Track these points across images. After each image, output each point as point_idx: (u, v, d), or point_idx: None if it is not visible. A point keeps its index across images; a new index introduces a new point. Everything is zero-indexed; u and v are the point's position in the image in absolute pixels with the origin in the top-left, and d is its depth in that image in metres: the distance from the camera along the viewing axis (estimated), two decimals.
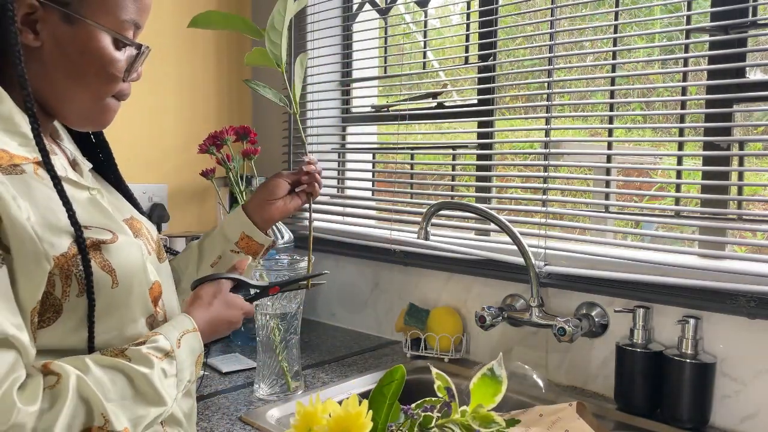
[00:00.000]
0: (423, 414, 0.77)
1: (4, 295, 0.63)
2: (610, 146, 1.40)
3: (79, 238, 0.70)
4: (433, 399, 0.94)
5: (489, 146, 1.57)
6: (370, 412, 0.69)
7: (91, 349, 0.72)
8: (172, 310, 0.88)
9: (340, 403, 0.70)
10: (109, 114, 0.79)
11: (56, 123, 0.83)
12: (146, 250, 0.82)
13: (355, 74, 1.98)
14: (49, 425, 0.62)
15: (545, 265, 1.39)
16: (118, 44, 0.76)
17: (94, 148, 0.90)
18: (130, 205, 0.90)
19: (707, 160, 1.24)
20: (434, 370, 0.83)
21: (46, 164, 0.70)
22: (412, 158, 1.76)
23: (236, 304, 0.93)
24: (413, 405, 0.79)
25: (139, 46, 0.77)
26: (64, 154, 0.82)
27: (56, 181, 0.69)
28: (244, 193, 1.29)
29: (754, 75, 1.20)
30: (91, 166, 0.86)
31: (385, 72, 1.84)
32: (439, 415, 0.78)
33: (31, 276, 0.66)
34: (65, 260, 0.69)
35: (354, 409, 0.67)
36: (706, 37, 1.24)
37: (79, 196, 0.76)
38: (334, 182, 1.98)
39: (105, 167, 0.91)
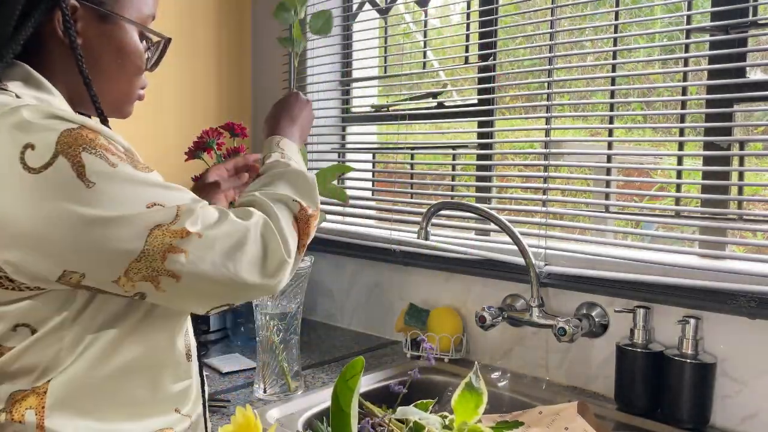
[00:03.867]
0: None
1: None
2: (610, 146, 1.40)
3: None
4: (425, 401, 0.94)
5: (489, 146, 1.57)
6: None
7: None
8: None
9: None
10: (132, 105, 0.85)
11: None
12: None
13: (355, 74, 1.98)
14: (273, 224, 0.75)
15: (545, 265, 1.39)
16: (142, 37, 0.81)
17: None
18: None
19: (707, 160, 1.24)
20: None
21: None
22: (412, 158, 1.76)
23: (303, 100, 1.04)
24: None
25: (164, 37, 0.84)
26: None
27: None
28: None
29: (754, 75, 1.20)
30: None
31: (385, 72, 1.84)
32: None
33: None
34: None
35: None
36: (707, 37, 1.24)
37: None
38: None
39: None
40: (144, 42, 0.82)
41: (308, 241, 0.81)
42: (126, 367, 0.73)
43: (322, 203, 1.89)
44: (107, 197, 0.65)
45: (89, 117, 0.82)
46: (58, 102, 0.74)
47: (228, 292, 0.73)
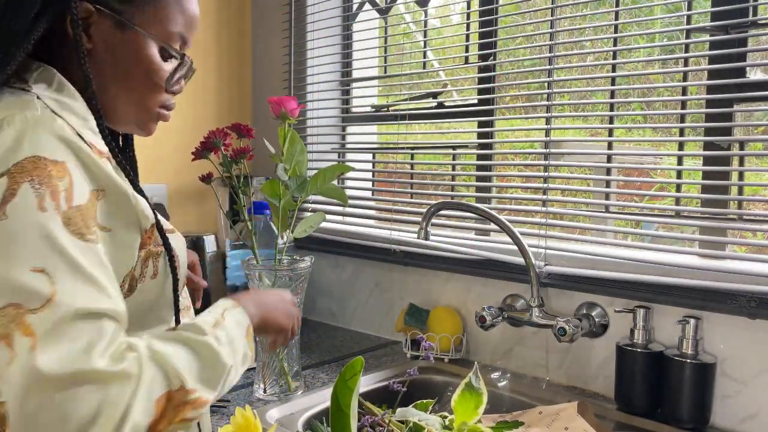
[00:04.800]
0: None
1: (104, 268, 0.65)
2: (610, 146, 1.40)
3: (158, 224, 0.76)
4: (424, 401, 0.94)
5: (489, 146, 1.57)
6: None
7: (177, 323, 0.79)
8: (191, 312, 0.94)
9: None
10: (152, 123, 0.82)
11: None
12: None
13: (355, 74, 1.98)
14: (136, 392, 0.60)
15: (545, 265, 1.39)
16: (164, 55, 0.78)
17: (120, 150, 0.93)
18: None
19: (707, 160, 1.24)
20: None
21: (115, 157, 0.74)
22: (412, 158, 1.76)
23: (286, 297, 0.93)
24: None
25: (182, 56, 0.80)
26: None
27: (128, 172, 0.75)
28: (243, 191, 1.28)
29: (754, 75, 1.20)
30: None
31: (385, 72, 1.84)
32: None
33: (127, 245, 0.72)
34: (146, 240, 0.74)
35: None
36: (707, 37, 1.24)
37: None
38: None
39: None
40: (170, 61, 0.79)
41: (170, 428, 0.63)
42: None
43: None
44: (5, 234, 0.60)
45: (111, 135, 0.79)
46: (79, 107, 0.73)
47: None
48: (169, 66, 0.79)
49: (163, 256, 0.77)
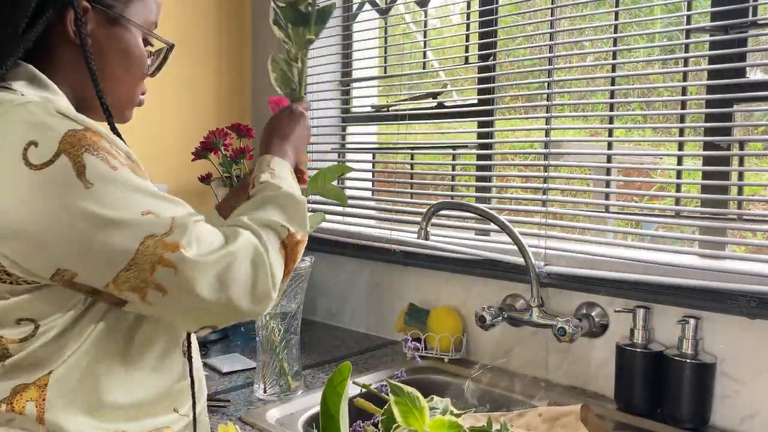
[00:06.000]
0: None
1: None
2: (610, 146, 1.40)
3: None
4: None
5: (489, 146, 1.57)
6: None
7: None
8: None
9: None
10: (132, 110, 0.86)
11: None
12: None
13: (355, 74, 1.98)
14: (263, 251, 0.75)
15: (545, 265, 1.39)
16: (145, 43, 0.83)
17: None
18: None
19: (707, 160, 1.24)
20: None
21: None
22: (412, 158, 1.76)
23: (300, 113, 0.98)
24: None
25: (168, 43, 0.86)
26: None
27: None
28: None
29: (754, 75, 1.20)
30: None
31: (385, 72, 1.84)
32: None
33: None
34: None
35: None
36: (707, 37, 1.24)
37: None
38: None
39: None
40: (147, 48, 0.83)
41: (294, 266, 0.81)
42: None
43: (322, 203, 1.90)
44: (104, 199, 0.65)
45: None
46: (62, 102, 0.74)
47: (215, 316, 0.73)
48: (148, 53, 0.83)
49: None
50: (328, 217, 1.89)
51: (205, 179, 1.27)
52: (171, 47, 0.87)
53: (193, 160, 1.22)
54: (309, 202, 1.92)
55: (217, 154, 1.23)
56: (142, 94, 0.85)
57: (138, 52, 0.81)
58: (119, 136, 0.76)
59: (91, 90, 0.77)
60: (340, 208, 1.89)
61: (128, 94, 0.83)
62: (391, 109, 1.84)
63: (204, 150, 1.22)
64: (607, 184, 1.41)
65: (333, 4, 1.03)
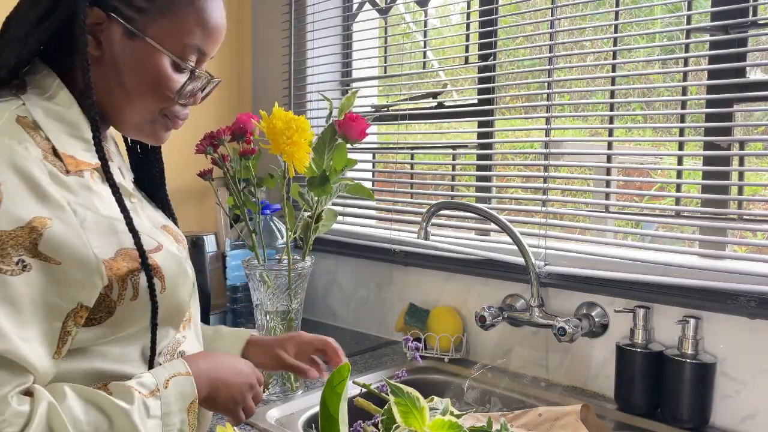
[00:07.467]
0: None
1: (17, 306, 0.63)
2: (610, 146, 1.40)
3: (137, 243, 0.73)
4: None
5: (489, 146, 1.57)
6: None
7: (153, 351, 0.76)
8: (197, 321, 0.90)
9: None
10: (160, 132, 0.81)
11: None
12: (185, 255, 0.85)
13: (355, 74, 1.98)
14: None
15: (545, 265, 1.39)
16: (178, 66, 0.76)
17: (139, 159, 0.93)
18: (163, 214, 0.92)
19: (707, 160, 1.24)
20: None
21: (106, 172, 0.73)
22: (412, 158, 1.76)
23: (245, 371, 0.85)
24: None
25: (192, 71, 0.77)
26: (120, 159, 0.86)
27: (115, 189, 0.73)
28: (241, 193, 1.28)
29: (754, 75, 1.20)
30: (133, 176, 0.89)
31: (385, 72, 1.84)
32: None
33: (72, 281, 0.67)
34: (121, 264, 0.71)
35: None
36: (707, 37, 1.24)
37: (127, 203, 0.77)
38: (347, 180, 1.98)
39: (146, 180, 0.93)
40: (186, 72, 0.77)
41: None
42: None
43: (331, 204, 1.89)
44: None
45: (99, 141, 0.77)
46: (72, 114, 0.73)
47: None
48: (182, 77, 0.77)
49: (143, 276, 0.73)
50: None
51: (205, 174, 1.27)
52: (207, 77, 0.80)
53: (196, 152, 1.23)
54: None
55: (217, 151, 1.24)
56: (171, 118, 0.80)
57: (156, 72, 0.74)
58: (103, 151, 0.72)
59: (107, 100, 0.76)
60: (340, 208, 1.89)
61: (143, 113, 0.77)
62: (391, 109, 1.84)
63: (208, 145, 1.22)
64: (607, 184, 1.41)
65: None
